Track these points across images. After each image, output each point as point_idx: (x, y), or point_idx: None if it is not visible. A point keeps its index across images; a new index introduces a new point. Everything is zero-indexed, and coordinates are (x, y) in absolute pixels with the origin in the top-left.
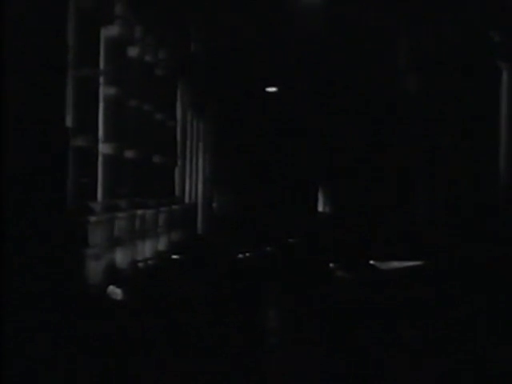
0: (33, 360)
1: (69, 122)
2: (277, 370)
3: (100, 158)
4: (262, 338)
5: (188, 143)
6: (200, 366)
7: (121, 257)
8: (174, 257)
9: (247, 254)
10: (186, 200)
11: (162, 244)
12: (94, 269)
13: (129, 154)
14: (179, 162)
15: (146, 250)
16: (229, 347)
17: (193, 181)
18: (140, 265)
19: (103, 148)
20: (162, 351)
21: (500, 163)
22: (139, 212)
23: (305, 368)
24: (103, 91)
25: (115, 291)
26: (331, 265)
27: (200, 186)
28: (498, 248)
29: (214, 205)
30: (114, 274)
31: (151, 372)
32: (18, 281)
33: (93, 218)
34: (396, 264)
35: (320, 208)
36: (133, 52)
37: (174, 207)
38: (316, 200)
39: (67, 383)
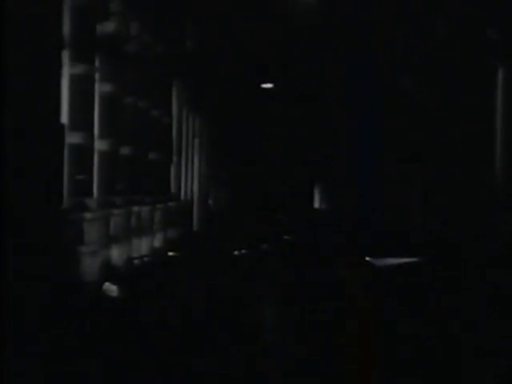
0: (31, 358)
1: (64, 119)
2: (273, 368)
3: (96, 155)
4: (258, 336)
5: (184, 140)
6: (198, 363)
7: (117, 254)
8: (170, 254)
9: (243, 251)
10: (182, 197)
11: (157, 241)
12: (90, 265)
13: (124, 150)
14: (175, 159)
15: (142, 246)
16: (225, 345)
17: (189, 177)
18: (136, 262)
19: (99, 145)
20: (158, 348)
21: (497, 161)
22: (135, 209)
23: (302, 366)
24: (99, 88)
25: (111, 288)
26: (327, 261)
27: (196, 182)
28: (497, 246)
29: (210, 202)
30: (109, 271)
31: (148, 368)
32: (15, 278)
33: (88, 215)
34: (392, 261)
35: (316, 205)
36: (128, 49)
37: (170, 204)
38: (312, 197)
39: (65, 381)
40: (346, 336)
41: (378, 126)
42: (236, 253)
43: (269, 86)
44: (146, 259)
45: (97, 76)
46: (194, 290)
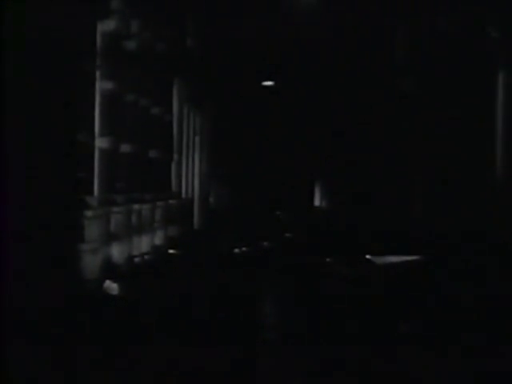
0: (31, 357)
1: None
2: (273, 365)
3: (97, 153)
4: (258, 333)
5: (185, 138)
6: (198, 361)
7: (117, 251)
8: (171, 251)
9: (244, 249)
10: (183, 195)
11: (158, 239)
12: (91, 263)
13: (125, 148)
14: (176, 157)
15: (143, 244)
16: (226, 342)
17: (189, 175)
18: (136, 260)
19: (100, 142)
20: (160, 346)
21: (497, 161)
22: (136, 207)
23: (301, 365)
24: (100, 86)
25: (112, 286)
26: (328, 259)
27: (197, 180)
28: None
29: (211, 199)
30: (110, 269)
31: (149, 367)
32: (16, 276)
33: (89, 213)
34: (393, 259)
35: (316, 203)
36: (129, 46)
37: (171, 202)
38: (312, 195)
39: (65, 380)
40: None
41: None
42: (236, 251)
43: (270, 83)
44: (146, 257)
45: (98, 74)
46: (195, 287)
